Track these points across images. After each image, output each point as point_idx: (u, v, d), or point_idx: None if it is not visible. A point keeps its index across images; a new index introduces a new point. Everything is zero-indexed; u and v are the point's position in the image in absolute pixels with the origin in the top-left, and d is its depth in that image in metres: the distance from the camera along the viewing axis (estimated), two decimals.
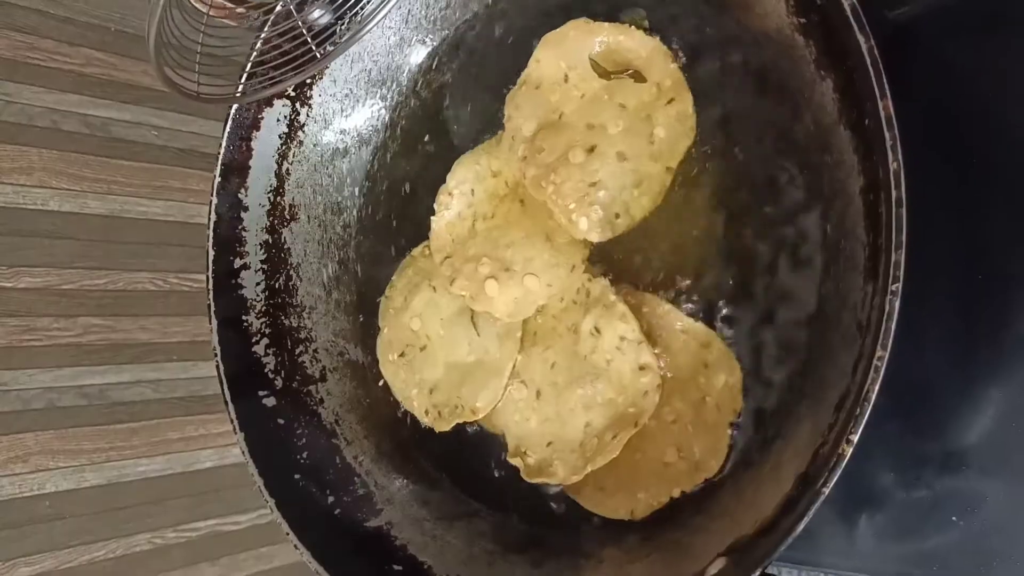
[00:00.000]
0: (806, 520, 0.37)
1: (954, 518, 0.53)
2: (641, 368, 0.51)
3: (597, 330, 0.52)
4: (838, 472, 0.36)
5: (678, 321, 0.52)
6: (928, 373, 0.55)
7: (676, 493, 0.49)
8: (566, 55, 0.55)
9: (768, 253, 0.48)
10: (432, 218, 0.58)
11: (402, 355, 0.60)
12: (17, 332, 0.70)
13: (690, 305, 0.51)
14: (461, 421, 0.56)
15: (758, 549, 0.39)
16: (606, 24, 0.54)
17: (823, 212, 0.45)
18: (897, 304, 0.35)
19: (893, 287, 0.35)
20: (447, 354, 0.58)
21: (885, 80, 0.36)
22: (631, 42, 0.53)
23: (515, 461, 0.54)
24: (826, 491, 0.36)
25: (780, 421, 0.46)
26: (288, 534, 0.53)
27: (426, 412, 0.59)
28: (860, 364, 0.38)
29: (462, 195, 0.58)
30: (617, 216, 0.52)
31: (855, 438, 0.36)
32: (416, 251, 0.61)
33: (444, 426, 0.57)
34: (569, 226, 0.53)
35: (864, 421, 0.36)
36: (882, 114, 0.35)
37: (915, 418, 0.56)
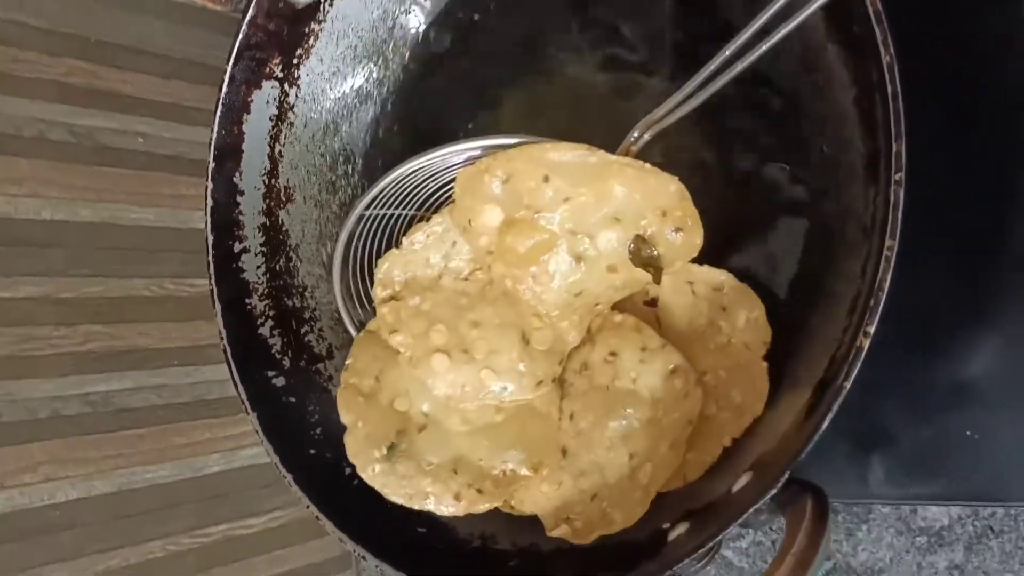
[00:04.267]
0: (828, 419, 0.37)
1: (968, 432, 0.54)
2: (672, 371, 0.48)
3: (613, 354, 0.50)
4: (857, 365, 0.36)
5: (683, 273, 0.50)
6: (930, 301, 0.56)
7: (727, 442, 0.47)
8: (549, 165, 0.49)
9: (768, 180, 0.49)
10: (393, 248, 0.54)
11: (391, 448, 0.52)
12: (19, 341, 0.70)
13: None
14: (516, 487, 0.50)
15: (781, 457, 0.39)
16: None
17: (819, 130, 0.46)
18: (902, 195, 0.36)
19: (896, 176, 0.35)
20: (460, 422, 0.52)
21: None
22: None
23: (559, 533, 0.49)
24: (847, 385, 0.36)
25: (792, 336, 0.46)
26: (308, 507, 0.52)
27: (456, 497, 0.50)
28: (869, 264, 0.38)
29: (441, 241, 0.53)
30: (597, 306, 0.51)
31: (871, 330, 0.36)
32: (371, 325, 0.56)
33: (494, 501, 0.50)
34: (551, 327, 0.51)
35: (879, 313, 0.36)
36: (870, 9, 0.36)
37: (921, 347, 0.57)
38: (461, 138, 0.52)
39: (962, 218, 0.56)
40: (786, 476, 0.37)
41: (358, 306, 0.58)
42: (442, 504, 0.50)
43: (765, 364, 0.47)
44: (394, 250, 0.54)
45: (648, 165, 0.47)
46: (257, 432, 0.54)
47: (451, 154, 0.52)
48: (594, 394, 0.51)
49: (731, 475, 0.43)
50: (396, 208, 0.56)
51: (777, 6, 0.40)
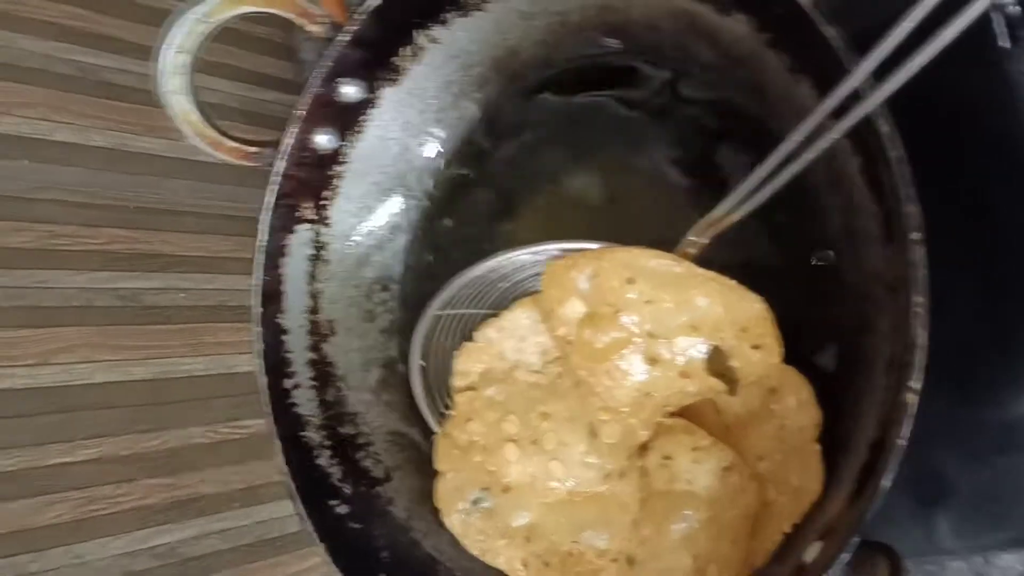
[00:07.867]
0: (890, 477, 0.37)
1: None
2: (727, 469, 0.49)
3: (667, 458, 0.50)
4: (910, 422, 0.37)
5: None
6: (964, 345, 0.56)
7: (787, 528, 0.46)
8: (635, 269, 0.49)
9: (792, 261, 0.51)
10: (466, 343, 0.56)
11: (475, 503, 0.54)
12: (82, 504, 0.72)
13: None
14: (581, 570, 0.50)
15: (847, 521, 0.39)
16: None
17: (831, 201, 0.48)
18: (922, 252, 0.37)
19: (913, 236, 0.37)
20: (543, 493, 0.53)
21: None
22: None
23: None
24: (902, 442, 0.37)
25: (840, 403, 0.47)
26: None
27: (524, 564, 0.52)
28: (900, 321, 0.39)
29: (510, 338, 0.55)
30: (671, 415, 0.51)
31: (917, 386, 0.37)
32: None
33: None
34: (620, 421, 0.51)
35: (922, 368, 0.37)
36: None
37: (966, 392, 0.57)
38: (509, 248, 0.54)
39: (981, 256, 0.57)
40: (856, 539, 0.38)
41: (438, 398, 0.60)
42: (510, 566, 0.53)
43: (818, 447, 0.46)
44: (468, 343, 0.56)
45: (732, 282, 0.47)
46: (329, 563, 0.55)
47: (525, 255, 0.54)
48: (654, 500, 0.51)
49: (799, 547, 0.43)
50: (469, 308, 0.58)
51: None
